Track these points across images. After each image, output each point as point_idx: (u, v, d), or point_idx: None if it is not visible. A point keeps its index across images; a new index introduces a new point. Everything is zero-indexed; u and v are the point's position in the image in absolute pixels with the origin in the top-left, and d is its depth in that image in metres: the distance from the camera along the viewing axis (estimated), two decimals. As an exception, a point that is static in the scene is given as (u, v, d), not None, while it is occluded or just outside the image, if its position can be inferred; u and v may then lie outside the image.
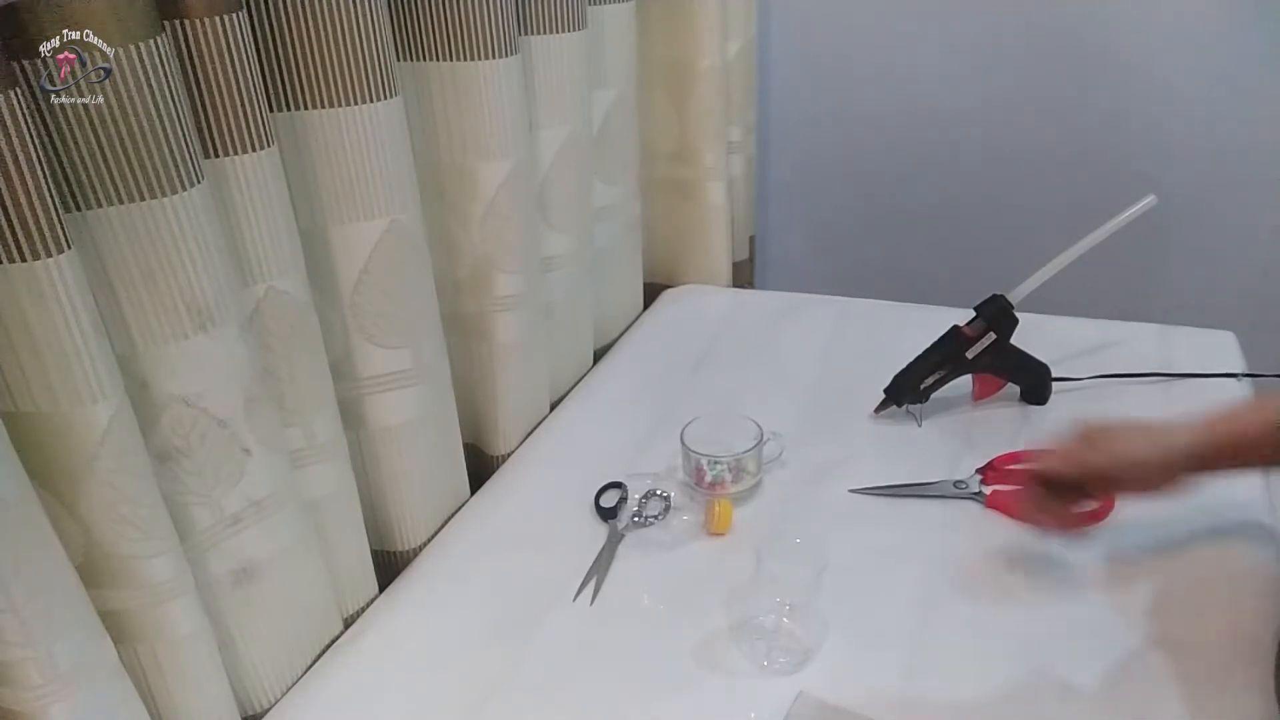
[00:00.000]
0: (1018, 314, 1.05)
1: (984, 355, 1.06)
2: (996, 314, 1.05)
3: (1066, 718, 0.72)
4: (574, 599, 0.87)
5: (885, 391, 1.08)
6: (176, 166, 0.62)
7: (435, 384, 0.94)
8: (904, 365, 1.08)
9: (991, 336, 1.05)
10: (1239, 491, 0.93)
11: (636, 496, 0.98)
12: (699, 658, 0.79)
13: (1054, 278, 1.03)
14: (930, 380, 1.06)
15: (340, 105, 0.77)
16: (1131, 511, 0.90)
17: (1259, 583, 0.82)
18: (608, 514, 0.96)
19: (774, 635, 0.79)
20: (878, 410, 1.09)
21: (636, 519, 0.96)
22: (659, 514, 0.96)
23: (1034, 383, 1.09)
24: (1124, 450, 0.75)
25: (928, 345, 1.08)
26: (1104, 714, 0.72)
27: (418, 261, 0.88)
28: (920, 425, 1.08)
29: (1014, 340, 1.07)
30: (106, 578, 0.63)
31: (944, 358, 1.06)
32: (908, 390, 1.07)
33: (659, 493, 0.98)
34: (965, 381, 1.09)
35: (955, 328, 1.07)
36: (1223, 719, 0.71)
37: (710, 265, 1.48)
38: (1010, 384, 1.10)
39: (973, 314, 1.07)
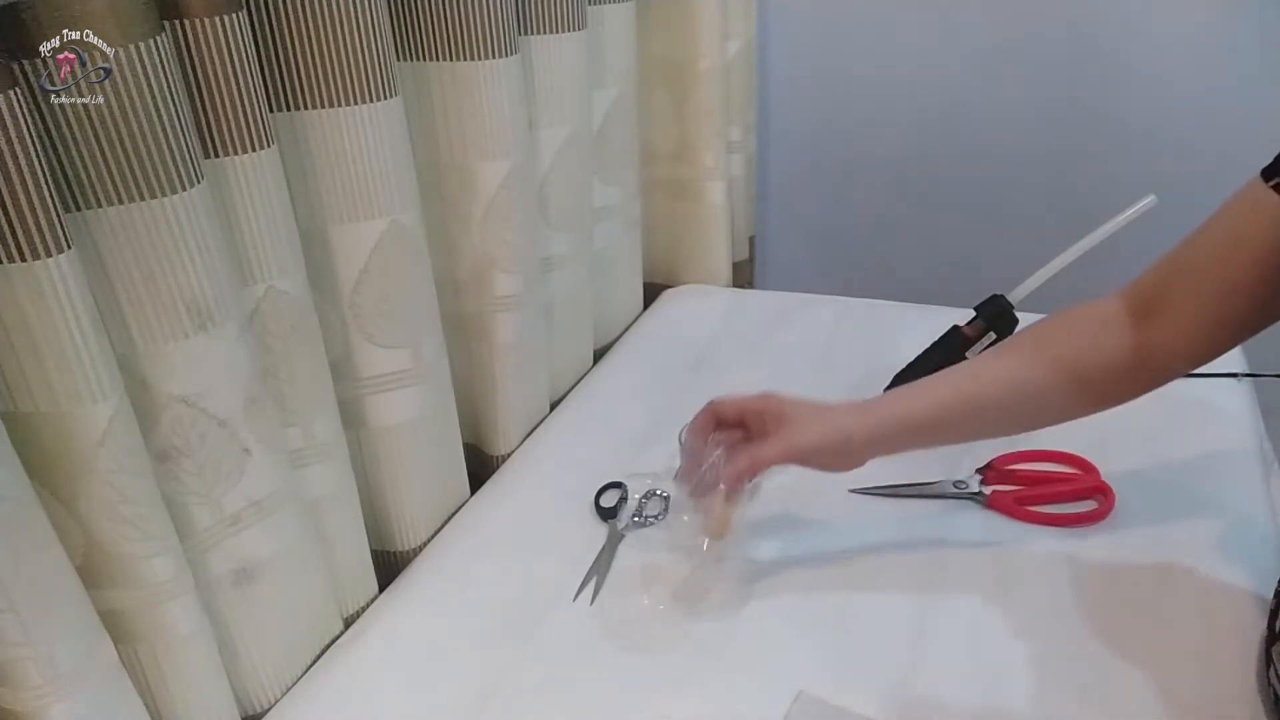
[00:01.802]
0: (1018, 314, 1.05)
1: (984, 355, 1.06)
2: (996, 314, 1.05)
3: (1064, 717, 0.72)
4: (574, 599, 0.87)
5: (885, 391, 1.08)
6: (176, 166, 0.62)
7: (435, 384, 0.94)
8: (904, 365, 1.08)
9: (991, 336, 1.05)
10: (1239, 491, 0.93)
11: (636, 496, 0.98)
12: (699, 658, 0.79)
13: (1054, 278, 1.03)
14: (930, 380, 1.06)
15: (340, 105, 0.77)
16: (1131, 511, 0.91)
17: (1257, 583, 0.82)
18: (608, 514, 0.96)
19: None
20: (878, 410, 1.09)
21: (636, 519, 0.96)
22: (659, 514, 0.96)
23: (1034, 383, 1.09)
24: (801, 442, 0.75)
25: (928, 345, 1.08)
26: (1101, 713, 0.72)
27: (418, 261, 0.88)
28: (920, 425, 1.08)
29: (1014, 340, 1.07)
30: (106, 578, 0.63)
31: (944, 358, 1.06)
32: (908, 390, 1.07)
33: (659, 493, 0.98)
34: (965, 381, 1.09)
35: (955, 328, 1.07)
36: None
37: (710, 265, 1.48)
38: (1010, 384, 1.10)
39: (973, 314, 1.07)
